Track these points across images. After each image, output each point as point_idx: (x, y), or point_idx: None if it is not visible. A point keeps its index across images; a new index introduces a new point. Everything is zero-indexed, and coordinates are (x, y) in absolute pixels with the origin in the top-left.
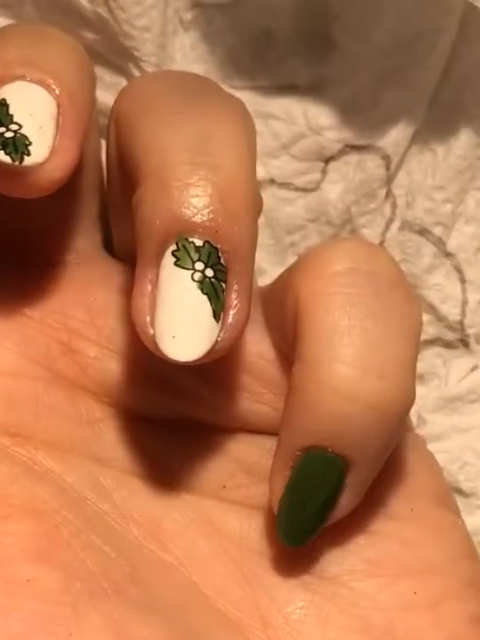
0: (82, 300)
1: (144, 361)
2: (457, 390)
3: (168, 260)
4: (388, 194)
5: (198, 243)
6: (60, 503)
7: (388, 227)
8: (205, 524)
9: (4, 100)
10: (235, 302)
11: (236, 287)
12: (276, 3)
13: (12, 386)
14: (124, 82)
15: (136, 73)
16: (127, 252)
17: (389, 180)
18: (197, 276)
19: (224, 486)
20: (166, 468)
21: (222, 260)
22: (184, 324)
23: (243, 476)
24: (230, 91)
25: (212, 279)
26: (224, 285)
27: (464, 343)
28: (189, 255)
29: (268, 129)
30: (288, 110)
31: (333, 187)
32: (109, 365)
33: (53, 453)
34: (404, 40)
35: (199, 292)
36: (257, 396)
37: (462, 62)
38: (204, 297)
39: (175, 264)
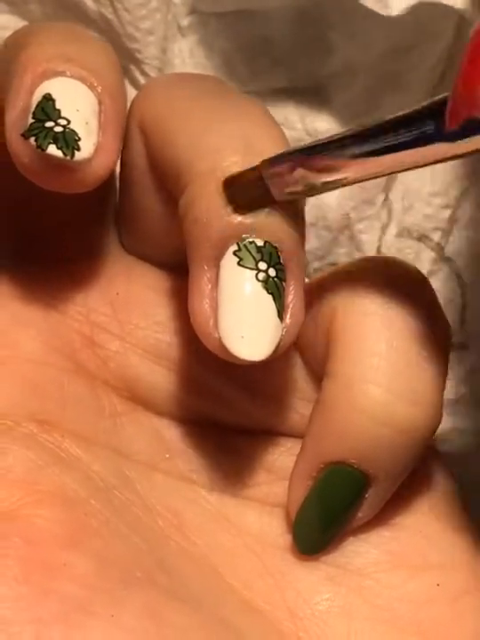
0: (105, 295)
1: (165, 357)
2: (456, 393)
3: (229, 260)
4: (385, 199)
5: (259, 243)
6: (88, 492)
7: (384, 231)
8: (226, 520)
9: (49, 94)
10: (293, 301)
11: (293, 286)
12: (273, 9)
13: (38, 373)
14: (125, 84)
15: (138, 76)
16: (137, 253)
17: (388, 186)
18: (262, 275)
19: (244, 484)
20: (186, 465)
21: (281, 260)
22: (252, 324)
23: (262, 474)
24: None
25: (275, 279)
26: (284, 284)
27: (463, 347)
28: (252, 255)
29: None
30: (285, 115)
31: (331, 192)
32: (131, 360)
33: (79, 442)
34: (401, 45)
35: (264, 291)
36: (282, 399)
37: (458, 66)
38: (269, 296)
39: (238, 264)
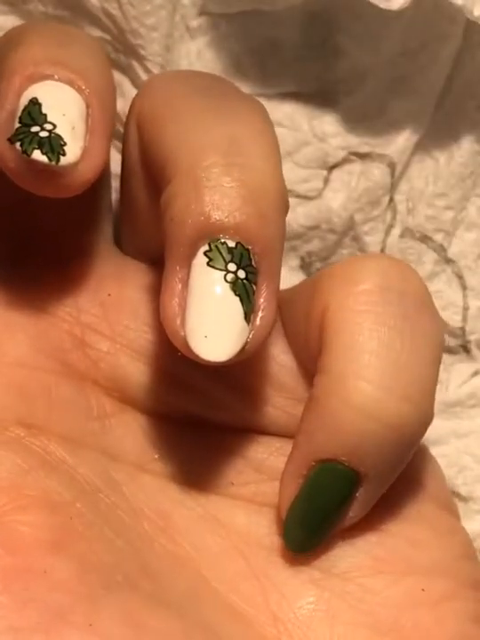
0: (95, 296)
1: (156, 358)
2: (457, 395)
3: (200, 260)
4: (390, 201)
5: (231, 244)
6: (74, 495)
7: (388, 233)
8: (214, 521)
9: (35, 98)
10: (263, 304)
11: (265, 289)
12: (282, 12)
13: (25, 377)
14: (127, 82)
15: (140, 73)
16: (136, 252)
17: (393, 188)
18: (230, 276)
19: (232, 483)
20: (175, 465)
21: (253, 262)
22: (216, 325)
23: (251, 473)
24: None
25: (244, 280)
26: (254, 287)
27: (465, 349)
28: (222, 256)
29: None
30: (292, 118)
31: (335, 195)
32: (121, 360)
33: (65, 445)
34: (409, 48)
35: (232, 293)
36: (270, 399)
37: (465, 70)
38: (237, 298)
39: (208, 264)
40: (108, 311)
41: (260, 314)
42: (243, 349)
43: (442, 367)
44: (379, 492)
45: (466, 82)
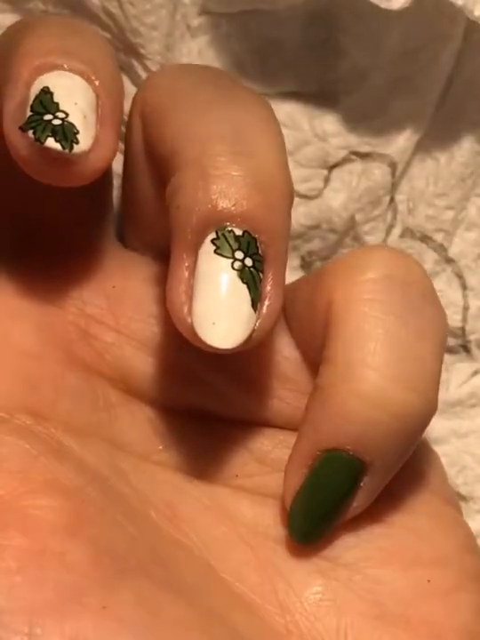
0: (100, 287)
1: (160, 349)
2: (457, 395)
3: (207, 248)
4: (391, 201)
5: (238, 232)
6: (84, 480)
7: (388, 232)
8: (220, 511)
9: (47, 87)
10: (270, 292)
11: (271, 277)
12: (283, 11)
13: (32, 367)
14: (127, 81)
15: (140, 71)
16: (140, 246)
17: (394, 188)
18: (237, 264)
19: (237, 475)
20: (180, 456)
21: (260, 250)
22: (224, 312)
23: (255, 465)
24: None
25: (251, 268)
26: (262, 275)
27: (465, 349)
28: (229, 244)
29: None
30: (293, 117)
31: (336, 195)
32: (126, 352)
33: (72, 434)
34: (410, 48)
35: (239, 280)
36: (273, 391)
37: (466, 70)
38: (244, 286)
39: (215, 252)
40: (112, 303)
41: (266, 302)
42: (250, 337)
43: (442, 367)
44: (383, 482)
45: (466, 82)
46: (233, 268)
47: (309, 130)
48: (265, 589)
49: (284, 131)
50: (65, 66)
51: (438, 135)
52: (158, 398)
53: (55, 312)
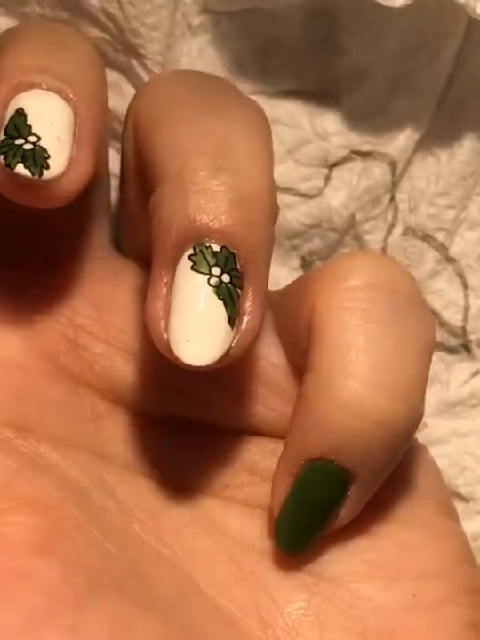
0: (90, 297)
1: (150, 360)
2: (458, 395)
3: (184, 263)
4: (392, 199)
5: (216, 248)
6: (64, 497)
7: (389, 231)
8: (207, 523)
9: (21, 109)
10: (249, 308)
11: (251, 293)
12: (283, 9)
13: (19, 379)
14: (126, 82)
15: (141, 72)
16: (136, 252)
17: (394, 186)
18: (214, 280)
19: (227, 485)
20: (168, 466)
21: (239, 266)
22: (199, 329)
23: (245, 475)
24: None
25: (229, 285)
26: (239, 291)
27: (466, 348)
28: (206, 260)
29: (274, 134)
30: (293, 116)
31: (336, 194)
32: (115, 362)
33: (57, 447)
34: (411, 46)
35: (215, 297)
36: (262, 399)
37: (467, 68)
38: (220, 302)
39: (192, 268)
40: (101, 313)
41: (245, 318)
42: (227, 354)
43: (442, 367)
44: (370, 492)
45: (468, 80)
46: (209, 285)
47: (310, 128)
48: (247, 604)
49: (285, 129)
50: (43, 85)
51: (439, 133)
52: (147, 409)
53: (44, 322)
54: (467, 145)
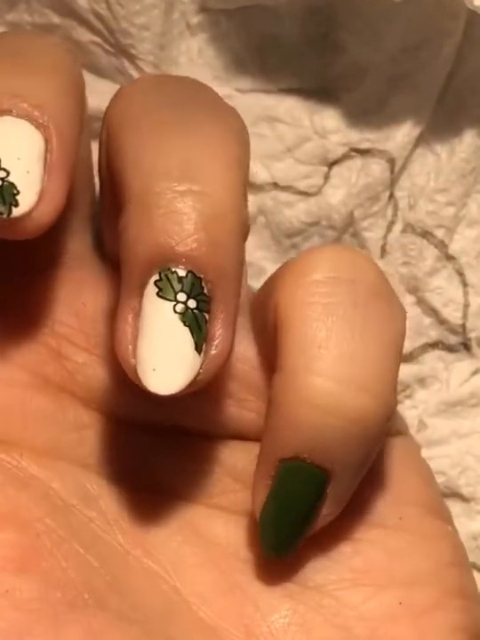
0: (71, 306)
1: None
2: (458, 394)
3: (151, 289)
4: (391, 196)
5: (181, 273)
6: (45, 511)
7: (389, 229)
8: (192, 531)
9: None
10: (218, 332)
11: (220, 316)
12: (282, 7)
13: (0, 393)
14: (118, 84)
15: (132, 72)
16: (116, 253)
17: (393, 183)
18: (179, 307)
19: (211, 493)
20: (153, 475)
21: (206, 290)
22: (165, 357)
23: (230, 482)
24: (236, 94)
25: (195, 310)
26: (207, 316)
27: (466, 347)
28: (172, 286)
29: (274, 132)
30: (293, 113)
31: (335, 191)
32: (97, 371)
33: (39, 459)
34: (410, 44)
35: (181, 324)
36: (243, 402)
37: (467, 65)
38: (186, 329)
39: (157, 294)
40: (83, 322)
41: (214, 342)
42: (194, 380)
43: (442, 366)
44: (350, 487)
45: (467, 77)
46: (175, 312)
47: (310, 126)
48: (231, 613)
49: (285, 127)
50: (13, 111)
51: (439, 131)
52: (131, 417)
53: (25, 333)
54: (466, 142)
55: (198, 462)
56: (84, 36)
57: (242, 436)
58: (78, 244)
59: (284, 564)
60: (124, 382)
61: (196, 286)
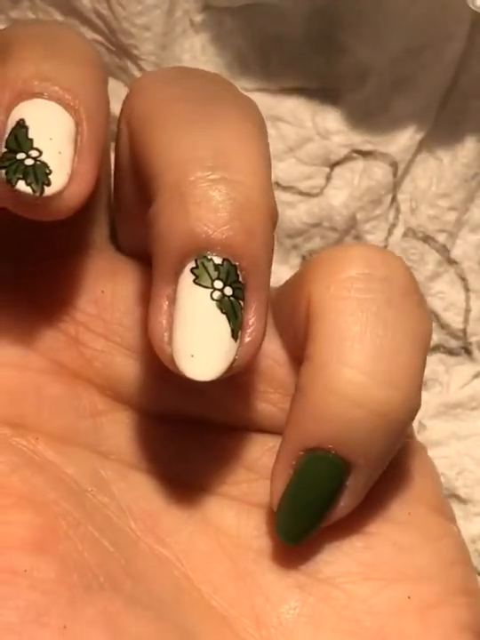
0: (90, 293)
1: (150, 356)
2: (458, 397)
3: (187, 277)
4: (394, 200)
5: (217, 260)
6: (60, 494)
7: (390, 232)
8: (204, 520)
9: (22, 120)
10: (252, 320)
11: (254, 305)
12: (286, 7)
13: (16, 378)
14: (121, 84)
15: (135, 72)
16: (132, 249)
17: (396, 187)
18: (217, 294)
19: (224, 482)
20: (167, 463)
21: (240, 278)
22: (203, 344)
23: (243, 472)
24: None
25: (231, 297)
26: (242, 303)
27: (466, 351)
28: (208, 273)
29: (276, 132)
30: (296, 113)
31: (337, 193)
32: (115, 359)
33: (54, 445)
34: (414, 47)
35: (218, 311)
36: (263, 395)
37: (470, 70)
38: (223, 316)
39: (194, 282)
40: (102, 309)
41: (248, 330)
42: (231, 367)
43: (443, 369)
44: (369, 481)
45: (471, 82)
46: (212, 299)
47: (312, 127)
48: (242, 603)
49: (287, 127)
50: (44, 93)
51: (442, 135)
52: (147, 405)
53: (44, 319)
54: (469, 147)
55: (212, 452)
56: (86, 34)
57: (258, 428)
58: (98, 234)
59: (295, 556)
60: (141, 371)
61: (231, 274)
